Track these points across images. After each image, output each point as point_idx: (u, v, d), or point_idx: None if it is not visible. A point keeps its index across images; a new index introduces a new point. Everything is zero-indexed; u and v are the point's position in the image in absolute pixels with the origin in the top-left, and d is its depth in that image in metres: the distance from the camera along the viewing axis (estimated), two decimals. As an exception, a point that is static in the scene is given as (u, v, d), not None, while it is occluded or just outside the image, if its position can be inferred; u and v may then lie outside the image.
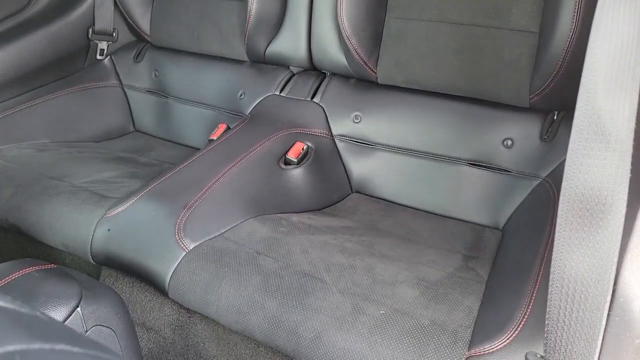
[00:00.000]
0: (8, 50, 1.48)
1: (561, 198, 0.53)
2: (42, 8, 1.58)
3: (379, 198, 1.29)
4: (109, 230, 1.07)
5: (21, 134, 1.46)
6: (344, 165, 1.31)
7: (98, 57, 1.67)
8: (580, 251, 0.52)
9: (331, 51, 1.32)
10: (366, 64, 1.26)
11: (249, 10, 1.35)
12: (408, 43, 1.21)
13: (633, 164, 0.51)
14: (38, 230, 1.13)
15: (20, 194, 1.18)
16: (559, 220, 0.53)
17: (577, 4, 0.98)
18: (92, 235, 1.07)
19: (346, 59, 1.29)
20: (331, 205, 1.26)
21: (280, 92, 1.41)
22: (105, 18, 1.64)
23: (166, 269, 0.97)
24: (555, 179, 1.05)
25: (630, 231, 0.55)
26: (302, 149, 1.25)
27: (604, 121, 0.49)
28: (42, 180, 1.22)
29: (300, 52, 1.39)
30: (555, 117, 1.11)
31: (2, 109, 1.46)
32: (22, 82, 1.52)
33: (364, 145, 1.29)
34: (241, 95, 1.45)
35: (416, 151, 1.23)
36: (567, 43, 1.01)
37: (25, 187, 1.20)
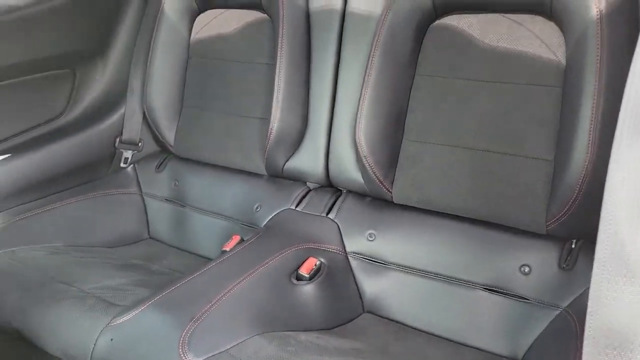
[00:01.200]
0: (36, 155, 1.53)
1: (586, 334, 0.51)
2: (75, 117, 1.66)
3: (391, 320, 1.25)
4: (111, 339, 1.03)
5: (37, 236, 1.47)
6: (356, 284, 1.29)
7: (122, 165, 1.72)
8: (610, 393, 0.48)
9: (348, 169, 1.35)
10: (382, 183, 1.28)
11: (270, 127, 1.40)
12: (424, 165, 1.24)
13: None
14: (39, 336, 1.10)
15: (27, 298, 1.16)
16: (584, 357, 0.50)
17: (591, 135, 1.01)
18: (94, 345, 1.03)
19: (362, 177, 1.31)
20: (342, 324, 1.22)
21: (296, 206, 1.42)
22: (134, 129, 1.72)
23: (166, 386, 0.93)
24: (576, 310, 1.01)
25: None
26: (315, 264, 1.23)
27: (628, 255, 0.48)
28: (51, 284, 1.20)
29: (318, 169, 1.42)
30: (573, 246, 1.10)
31: (21, 211, 1.49)
32: (45, 186, 1.56)
33: (378, 264, 1.27)
34: (257, 207, 1.46)
35: (430, 273, 1.21)
36: (583, 173, 1.02)
37: (32, 290, 1.18)
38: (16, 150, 1.51)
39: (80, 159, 1.63)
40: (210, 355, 0.97)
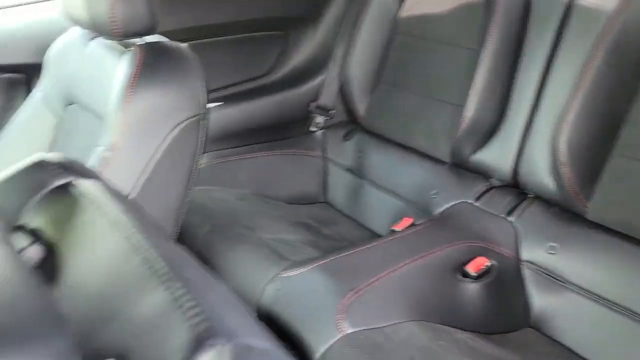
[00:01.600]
0: (241, 107, 1.68)
1: None
2: (279, 77, 1.78)
3: (557, 342, 1.15)
4: (278, 289, 1.11)
5: (229, 180, 1.62)
6: (525, 295, 1.21)
7: (312, 128, 1.81)
8: None
9: (540, 173, 1.25)
10: (577, 195, 1.16)
11: (463, 115, 1.35)
12: (633, 185, 1.10)
13: None
14: (220, 271, 1.22)
15: (216, 233, 1.30)
16: None
17: None
18: (263, 291, 1.12)
19: (556, 184, 1.21)
20: (501, 333, 1.16)
21: (476, 201, 1.36)
22: (329, 96, 1.78)
23: (318, 346, 0.97)
24: None
25: None
26: (485, 265, 1.18)
27: None
28: (236, 226, 1.33)
29: (506, 166, 1.34)
30: None
31: (221, 155, 1.65)
32: (243, 136, 1.71)
33: (554, 280, 1.17)
34: (434, 194, 1.43)
35: (616, 305, 1.08)
36: None
37: (221, 227, 1.32)
38: (225, 100, 1.66)
39: (276, 117, 1.75)
40: (364, 328, 0.99)
